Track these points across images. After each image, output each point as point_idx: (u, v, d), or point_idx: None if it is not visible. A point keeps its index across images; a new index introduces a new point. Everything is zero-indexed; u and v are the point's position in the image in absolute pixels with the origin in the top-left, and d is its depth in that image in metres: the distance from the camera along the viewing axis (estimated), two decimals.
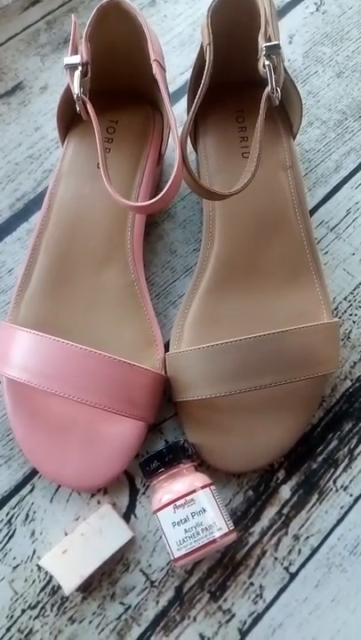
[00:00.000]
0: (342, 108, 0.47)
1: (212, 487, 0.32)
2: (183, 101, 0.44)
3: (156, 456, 0.32)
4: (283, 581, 0.33)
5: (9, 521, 0.35)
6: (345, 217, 0.43)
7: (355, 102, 0.48)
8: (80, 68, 0.34)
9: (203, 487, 0.32)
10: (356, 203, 0.43)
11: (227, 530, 0.31)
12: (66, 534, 0.34)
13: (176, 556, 0.31)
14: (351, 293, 0.40)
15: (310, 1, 0.53)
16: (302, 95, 0.48)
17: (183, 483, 0.32)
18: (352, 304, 0.40)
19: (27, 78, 0.50)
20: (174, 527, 0.31)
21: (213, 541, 0.30)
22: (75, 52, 0.35)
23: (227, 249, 0.38)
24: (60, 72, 0.50)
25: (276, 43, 0.34)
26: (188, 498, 0.31)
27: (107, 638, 0.32)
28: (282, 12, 0.52)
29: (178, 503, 0.31)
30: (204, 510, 0.31)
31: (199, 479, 0.32)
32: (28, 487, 0.35)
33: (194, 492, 0.31)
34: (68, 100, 0.37)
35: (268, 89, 0.34)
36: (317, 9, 0.52)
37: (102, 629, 0.32)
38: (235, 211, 0.39)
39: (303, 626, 0.32)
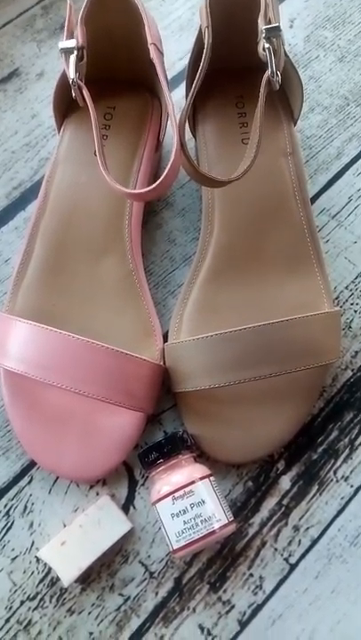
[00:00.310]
0: (344, 94, 0.46)
1: (212, 478, 0.32)
2: (182, 87, 0.43)
3: (155, 447, 0.32)
4: (282, 572, 0.33)
5: (7, 512, 0.34)
6: (347, 204, 0.42)
7: (357, 87, 0.47)
8: (76, 52, 0.33)
9: (202, 478, 0.31)
10: (358, 190, 0.43)
11: (226, 521, 0.31)
12: (64, 526, 0.34)
13: (175, 548, 0.30)
14: (353, 282, 0.40)
15: None
16: (304, 80, 0.47)
17: (182, 474, 0.31)
18: (354, 293, 0.40)
19: (23, 65, 0.49)
20: (173, 519, 0.31)
21: (213, 532, 0.30)
22: (70, 36, 0.34)
23: (226, 237, 0.38)
24: (57, 58, 0.49)
25: (277, 25, 0.33)
26: (188, 489, 0.31)
27: (106, 629, 0.32)
28: None
29: (177, 494, 0.31)
30: (204, 502, 0.31)
31: (198, 470, 0.32)
32: (27, 479, 0.35)
33: (193, 483, 0.31)
34: (64, 85, 0.37)
35: (267, 73, 0.33)
36: None
37: (101, 620, 0.32)
38: (234, 198, 0.38)
39: (303, 617, 0.32)
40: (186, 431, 0.34)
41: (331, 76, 0.47)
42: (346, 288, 0.40)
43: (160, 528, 0.33)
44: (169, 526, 0.31)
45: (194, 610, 0.32)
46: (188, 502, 0.31)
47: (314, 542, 0.33)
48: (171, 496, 0.31)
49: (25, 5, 0.52)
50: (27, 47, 0.50)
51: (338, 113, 0.46)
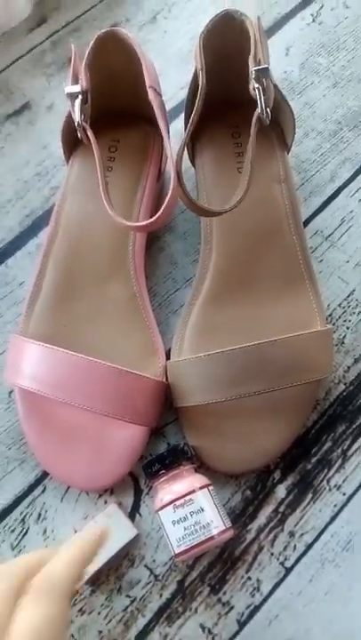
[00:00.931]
0: (337, 118, 0.49)
1: (211, 487, 0.34)
2: (183, 117, 0.46)
3: (158, 459, 0.35)
4: (278, 576, 0.35)
5: (22, 520, 0.37)
6: (339, 226, 0.44)
7: (350, 112, 0.49)
8: (80, 96, 0.36)
9: (201, 488, 0.34)
10: (351, 211, 0.45)
11: (224, 527, 0.33)
12: (75, 532, 0.37)
13: (177, 552, 0.33)
14: (345, 300, 0.42)
15: (307, 12, 0.54)
16: (299, 106, 0.50)
17: (183, 484, 0.34)
18: (346, 310, 0.42)
19: (33, 98, 0.52)
20: (174, 525, 0.33)
21: (211, 538, 0.32)
22: (75, 80, 0.37)
23: (223, 261, 0.40)
24: None
25: (265, 66, 0.35)
26: (188, 498, 0.33)
27: (114, 628, 0.35)
28: (279, 24, 0.54)
29: (177, 503, 0.33)
30: (202, 509, 0.33)
31: (198, 480, 0.34)
32: (40, 488, 0.38)
33: (193, 492, 0.33)
34: (70, 124, 0.40)
35: (257, 110, 0.36)
36: (314, 20, 0.53)
37: (110, 620, 0.35)
38: (231, 224, 0.41)
39: (298, 618, 0.34)
40: (187, 443, 0.36)
41: (325, 102, 0.50)
42: (339, 306, 0.42)
43: (163, 534, 0.36)
44: (170, 532, 0.33)
45: (196, 610, 0.35)
46: (188, 510, 0.33)
47: (308, 547, 0.36)
48: (172, 504, 0.33)
49: (35, 41, 0.55)
50: (37, 81, 0.53)
51: (331, 137, 0.48)
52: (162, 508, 0.34)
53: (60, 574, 0.26)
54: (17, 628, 0.24)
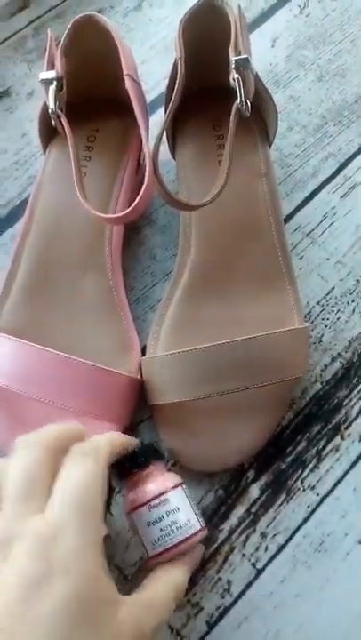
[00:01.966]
0: (322, 113, 0.48)
1: (184, 486, 0.33)
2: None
3: (129, 458, 0.34)
4: (249, 577, 0.35)
5: None
6: (321, 222, 0.44)
7: (335, 106, 0.48)
8: (55, 82, 0.35)
9: (175, 487, 0.33)
10: (333, 208, 0.44)
11: (199, 527, 0.32)
12: None
13: (151, 555, 0.31)
14: (324, 298, 0.41)
15: (294, 3, 0.53)
16: (284, 99, 0.49)
17: (156, 483, 0.33)
18: (325, 308, 0.41)
19: (14, 84, 0.51)
20: (149, 526, 0.31)
21: (188, 538, 0.31)
22: (51, 66, 0.36)
23: (202, 255, 0.40)
24: None
25: (245, 57, 0.34)
26: (163, 497, 0.32)
27: None
28: (266, 14, 0.53)
29: (153, 503, 0.32)
30: (178, 509, 0.32)
31: (171, 479, 0.33)
32: None
33: (167, 491, 0.32)
34: (47, 112, 0.38)
35: (237, 101, 0.35)
36: (301, 11, 0.52)
37: None
38: (210, 218, 0.40)
39: (268, 619, 0.34)
40: (159, 441, 0.35)
41: (310, 95, 0.49)
42: (317, 303, 0.41)
43: (132, 536, 0.35)
44: (145, 534, 0.31)
45: None
46: (165, 510, 0.31)
47: (280, 548, 0.35)
48: (147, 504, 0.32)
49: (16, 27, 0.53)
50: (18, 67, 0.52)
51: (315, 132, 0.47)
52: (135, 508, 0.32)
53: (103, 441, 0.29)
54: (61, 485, 0.25)
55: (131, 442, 0.32)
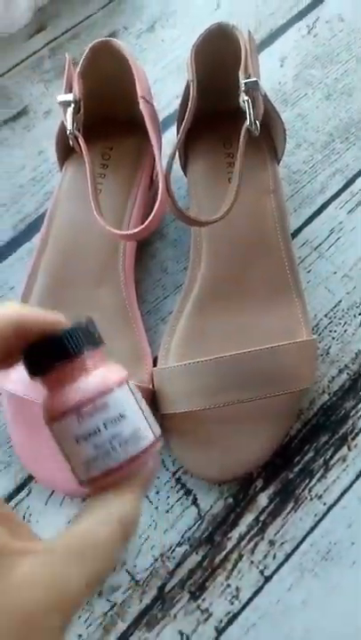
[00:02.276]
0: (330, 130, 0.49)
1: (131, 382, 0.22)
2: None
3: (48, 344, 0.21)
4: (257, 584, 0.35)
5: None
6: (328, 236, 0.45)
7: (342, 124, 0.49)
8: (73, 104, 0.37)
9: (119, 384, 0.21)
10: (340, 222, 0.45)
11: (152, 438, 0.21)
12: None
13: (85, 479, 0.21)
14: (332, 310, 0.42)
15: (303, 23, 0.55)
16: (292, 117, 0.50)
17: (90, 380, 0.21)
18: (332, 321, 0.42)
19: (31, 103, 0.53)
20: (79, 443, 0.20)
21: (135, 458, 0.21)
22: (69, 88, 0.38)
23: (213, 269, 0.41)
24: None
25: (255, 80, 0.36)
26: (100, 402, 0.21)
27: (93, 632, 0.35)
28: (275, 35, 0.54)
29: (84, 410, 0.20)
30: (122, 417, 0.21)
31: (113, 372, 0.22)
32: (25, 491, 0.38)
33: (107, 392, 0.21)
34: (64, 131, 0.40)
35: (246, 123, 0.36)
36: (309, 32, 0.54)
37: (90, 624, 0.35)
38: (220, 233, 0.41)
39: (275, 626, 0.34)
40: (90, 320, 0.22)
41: (318, 114, 0.50)
42: (325, 316, 0.42)
43: (146, 539, 0.36)
44: (73, 454, 0.21)
45: (175, 617, 0.35)
46: (102, 419, 0.20)
47: (288, 556, 0.36)
48: (75, 413, 0.20)
49: (34, 47, 0.55)
50: (35, 87, 0.54)
51: (323, 149, 0.48)
52: (57, 418, 0.21)
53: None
54: None
55: (53, 321, 0.21)
